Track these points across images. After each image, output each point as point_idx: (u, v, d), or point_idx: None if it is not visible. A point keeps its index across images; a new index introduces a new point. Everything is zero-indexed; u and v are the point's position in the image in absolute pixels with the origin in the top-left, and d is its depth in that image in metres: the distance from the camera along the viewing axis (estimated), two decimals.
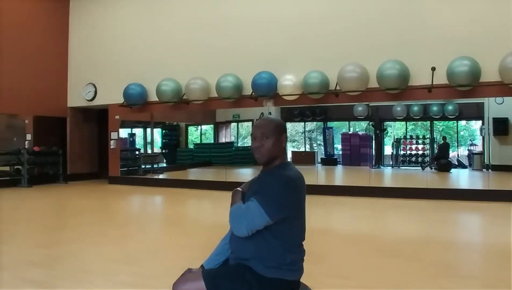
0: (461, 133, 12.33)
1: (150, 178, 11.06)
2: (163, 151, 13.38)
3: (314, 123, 13.18)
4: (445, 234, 4.96)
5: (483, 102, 8.89)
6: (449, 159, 10.97)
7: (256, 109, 9.17)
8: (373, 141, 11.51)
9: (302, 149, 13.32)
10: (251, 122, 11.79)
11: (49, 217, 6.49)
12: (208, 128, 14.13)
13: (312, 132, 13.56)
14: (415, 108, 11.06)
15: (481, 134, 10.92)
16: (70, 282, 3.15)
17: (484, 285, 3.13)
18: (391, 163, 11.85)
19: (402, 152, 11.58)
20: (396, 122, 12.28)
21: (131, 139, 12.87)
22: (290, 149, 12.60)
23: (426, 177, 9.19)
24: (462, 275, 3.38)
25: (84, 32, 11.20)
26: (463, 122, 12.10)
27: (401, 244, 4.48)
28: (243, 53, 9.11)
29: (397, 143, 11.67)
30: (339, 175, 11.92)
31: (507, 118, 9.59)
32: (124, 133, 12.29)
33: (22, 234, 4.89)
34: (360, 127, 12.61)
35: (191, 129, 14.41)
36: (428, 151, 11.31)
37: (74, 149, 11.40)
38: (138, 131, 13.42)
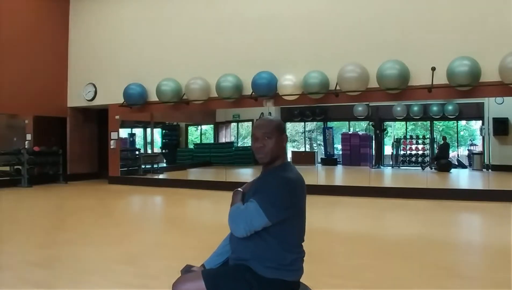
0: (461, 133, 12.34)
1: (150, 178, 11.06)
2: (163, 151, 13.39)
3: (314, 123, 13.19)
4: (445, 234, 4.96)
5: (483, 102, 8.90)
6: (449, 159, 10.98)
7: (256, 109, 9.17)
8: (373, 141, 11.51)
9: (302, 149, 13.33)
10: (251, 122, 11.80)
11: (49, 217, 6.49)
12: (208, 128, 14.14)
13: (312, 132, 13.57)
14: (415, 108, 11.07)
15: (481, 134, 10.93)
16: (70, 282, 3.15)
17: (484, 285, 3.12)
18: (391, 163, 11.86)
19: (402, 152, 11.59)
20: (396, 122, 12.30)
21: (131, 139, 12.87)
22: (290, 149, 12.61)
23: (426, 177, 9.19)
24: (462, 275, 3.38)
25: (84, 32, 11.19)
26: (463, 122, 12.11)
27: (401, 244, 4.47)
28: (243, 53, 9.11)
29: (397, 143, 11.68)
30: (339, 175, 11.93)
31: (507, 118, 9.60)
32: (124, 133, 12.30)
33: (22, 234, 4.88)
34: (360, 127, 12.62)
35: (191, 129, 14.42)
36: (428, 151, 11.32)
37: (74, 149, 11.40)
38: (138, 131, 13.42)
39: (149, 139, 13.12)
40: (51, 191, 9.38)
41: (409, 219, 6.13)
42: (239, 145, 12.91)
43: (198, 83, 9.16)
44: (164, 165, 12.95)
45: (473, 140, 11.69)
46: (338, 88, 7.96)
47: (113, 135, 10.72)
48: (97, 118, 11.95)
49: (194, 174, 12.16)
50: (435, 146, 11.30)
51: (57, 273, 3.38)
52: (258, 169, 1.92)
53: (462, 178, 10.81)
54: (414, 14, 7.75)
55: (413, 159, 11.37)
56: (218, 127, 13.31)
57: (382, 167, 11.71)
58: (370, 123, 11.54)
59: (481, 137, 10.99)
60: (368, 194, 7.88)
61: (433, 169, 10.67)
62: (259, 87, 8.54)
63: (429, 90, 7.38)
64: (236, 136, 13.15)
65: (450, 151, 11.36)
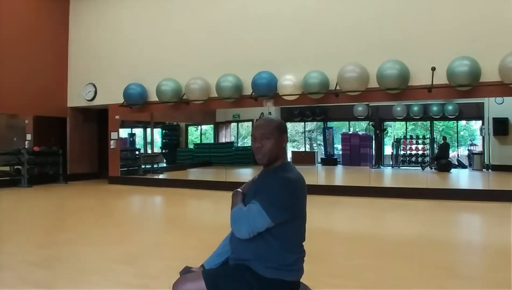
0: (461, 133, 12.35)
1: (150, 178, 11.06)
2: (163, 151, 13.39)
3: (314, 123, 13.19)
4: (445, 234, 4.96)
5: (483, 102, 8.90)
6: (449, 159, 10.98)
7: (256, 109, 9.17)
8: (373, 141, 11.51)
9: (302, 149, 13.33)
10: (251, 122, 11.80)
11: (49, 217, 6.49)
12: (208, 128, 14.15)
13: (312, 132, 13.57)
14: (415, 108, 11.07)
15: (481, 134, 10.93)
16: (70, 282, 3.15)
17: (484, 285, 3.12)
18: (391, 163, 11.86)
19: (402, 152, 11.59)
20: (396, 122, 12.30)
21: (131, 139, 12.87)
22: (290, 149, 12.61)
23: (426, 177, 9.19)
24: (462, 275, 3.38)
25: (84, 32, 11.19)
26: (463, 122, 12.11)
27: (401, 244, 4.47)
28: (243, 53, 9.10)
29: (397, 143, 11.68)
30: (339, 175, 11.93)
31: (507, 118, 9.61)
32: (124, 133, 12.30)
33: (22, 234, 4.88)
34: (360, 127, 12.62)
35: (191, 129, 14.42)
36: (428, 151, 11.32)
37: (74, 149, 11.40)
38: (138, 131, 13.42)
39: (149, 139, 13.12)
40: (51, 191, 9.38)
41: (409, 219, 6.13)
42: (239, 145, 12.91)
43: (198, 83, 9.16)
44: (164, 165, 12.95)
45: (473, 140, 11.70)
46: (338, 88, 7.96)
47: (113, 135, 10.72)
48: (97, 118, 11.95)
49: (194, 174, 12.16)
50: (435, 146, 11.30)
51: (57, 273, 3.38)
52: (258, 169, 1.92)
53: (462, 178, 10.81)
54: (414, 14, 7.75)
55: (413, 159, 11.38)
56: (218, 127, 13.32)
57: (382, 167, 11.71)
58: (370, 123, 11.54)
59: (481, 137, 11.00)
60: (368, 194, 7.88)
61: (433, 169, 10.67)
62: (259, 87, 8.54)
63: (429, 90, 7.38)
64: (236, 136, 13.15)
65: (450, 151, 11.36)
